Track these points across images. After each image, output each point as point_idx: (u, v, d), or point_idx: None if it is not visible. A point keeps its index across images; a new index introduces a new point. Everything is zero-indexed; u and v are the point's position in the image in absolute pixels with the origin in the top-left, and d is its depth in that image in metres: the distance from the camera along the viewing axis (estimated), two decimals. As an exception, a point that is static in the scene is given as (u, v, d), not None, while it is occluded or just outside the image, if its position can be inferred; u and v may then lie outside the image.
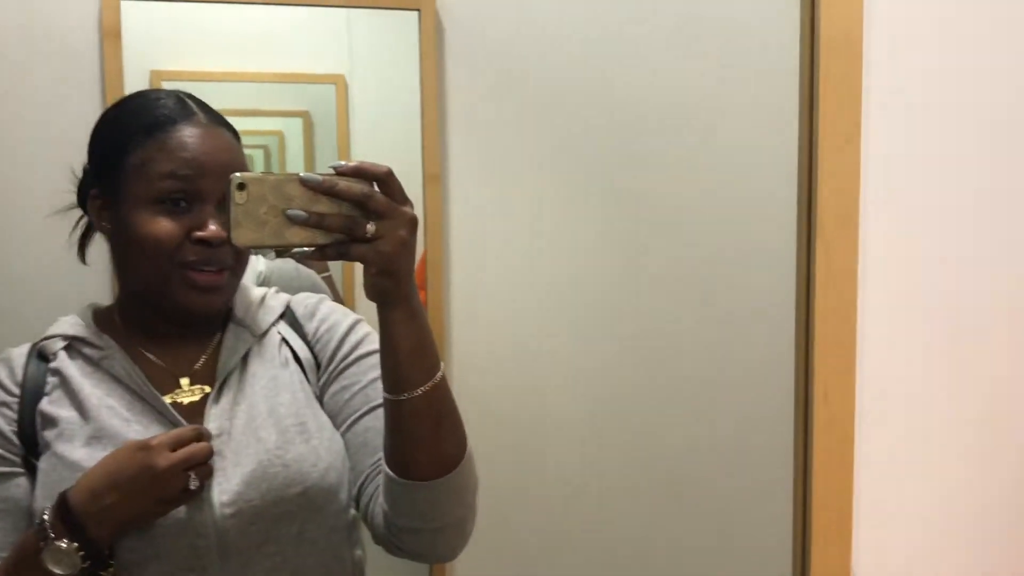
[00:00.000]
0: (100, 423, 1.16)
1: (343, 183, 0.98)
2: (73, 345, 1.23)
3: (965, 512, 2.00)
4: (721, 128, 2.01)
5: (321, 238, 0.98)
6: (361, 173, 1.00)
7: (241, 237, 0.98)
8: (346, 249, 0.99)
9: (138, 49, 1.93)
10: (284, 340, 1.29)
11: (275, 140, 1.98)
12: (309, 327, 1.31)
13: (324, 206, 0.98)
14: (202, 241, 1.16)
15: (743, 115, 2.00)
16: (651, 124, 1.98)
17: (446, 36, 2.05)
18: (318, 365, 1.29)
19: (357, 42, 2.12)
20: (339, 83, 2.10)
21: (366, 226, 0.98)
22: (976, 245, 1.96)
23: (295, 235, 0.98)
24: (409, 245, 1.01)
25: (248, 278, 1.29)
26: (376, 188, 1.00)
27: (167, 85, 1.94)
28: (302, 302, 1.35)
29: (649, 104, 1.97)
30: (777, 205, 1.96)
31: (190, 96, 1.25)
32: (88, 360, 1.21)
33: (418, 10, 2.03)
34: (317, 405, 1.26)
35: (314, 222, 0.97)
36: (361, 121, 2.07)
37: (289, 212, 0.97)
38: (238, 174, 0.97)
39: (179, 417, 1.18)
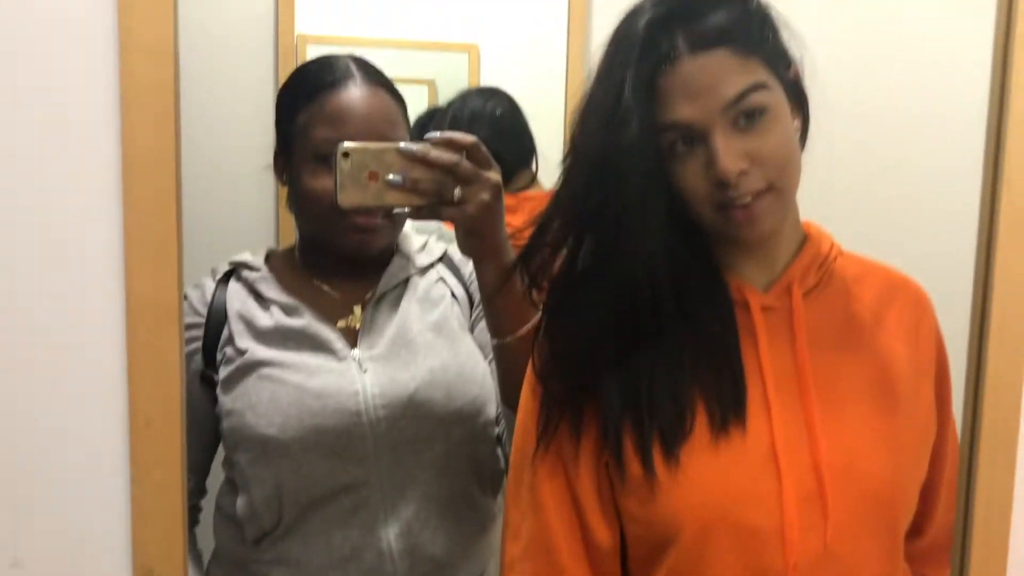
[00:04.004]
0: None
1: (435, 152, 1.08)
2: (238, 271, 1.36)
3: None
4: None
5: (416, 200, 1.09)
6: (451, 143, 1.09)
7: (346, 199, 1.09)
8: (437, 211, 1.10)
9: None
10: (442, 279, 1.40)
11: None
12: (465, 270, 1.42)
13: (419, 172, 1.08)
14: None
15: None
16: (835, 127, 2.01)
17: (593, 9, 2.07)
18: (471, 303, 1.40)
19: (492, 12, 2.16)
20: (472, 52, 2.15)
21: (454, 190, 1.08)
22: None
23: (393, 197, 1.09)
24: (492, 208, 1.11)
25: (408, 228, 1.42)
26: (464, 157, 1.09)
27: (311, 48, 2.03)
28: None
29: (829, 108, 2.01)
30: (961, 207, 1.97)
31: (357, 60, 1.34)
32: (245, 283, 1.34)
33: (569, -18, 2.06)
34: (468, 333, 1.36)
35: (410, 186, 1.08)
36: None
37: (388, 177, 1.08)
38: (344, 143, 1.08)
39: (328, 334, 1.28)
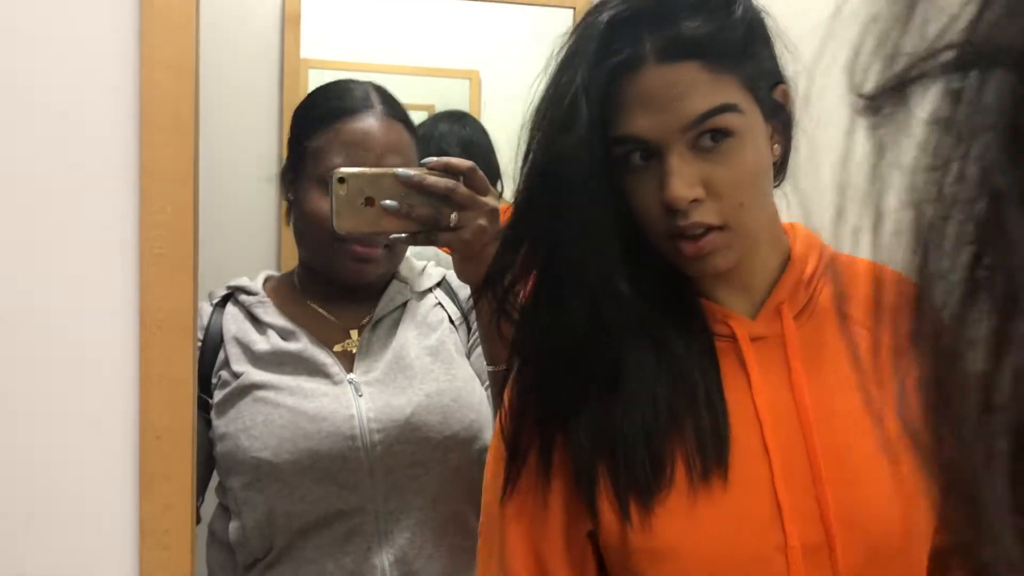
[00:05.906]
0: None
1: (431, 178, 1.07)
2: (235, 295, 1.34)
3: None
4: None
5: (412, 226, 1.08)
6: (448, 168, 1.08)
7: (342, 224, 1.07)
8: (433, 236, 1.09)
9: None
10: (440, 304, 1.39)
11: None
12: (463, 294, 1.40)
13: (415, 198, 1.06)
14: None
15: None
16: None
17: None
18: (469, 328, 1.38)
19: (494, 38, 2.18)
20: (473, 78, 2.17)
21: (450, 216, 1.07)
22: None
23: (389, 223, 1.07)
24: (489, 233, 1.08)
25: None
26: (461, 182, 1.09)
27: (313, 72, 2.04)
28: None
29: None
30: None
31: (378, 89, 1.32)
32: (242, 307, 1.33)
33: (573, 8, 2.07)
34: (464, 358, 1.36)
35: (405, 212, 1.06)
36: (492, 117, 2.12)
37: (384, 203, 1.06)
38: (340, 169, 1.07)
39: (324, 358, 1.28)
